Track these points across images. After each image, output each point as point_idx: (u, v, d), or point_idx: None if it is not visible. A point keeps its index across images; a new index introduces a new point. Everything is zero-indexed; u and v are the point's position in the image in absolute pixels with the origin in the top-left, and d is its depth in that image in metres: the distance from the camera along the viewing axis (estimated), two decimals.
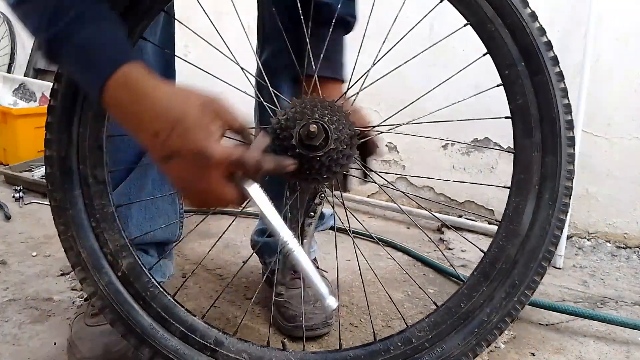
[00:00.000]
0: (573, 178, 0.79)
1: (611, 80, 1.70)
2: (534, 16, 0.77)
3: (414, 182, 2.08)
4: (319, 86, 0.90)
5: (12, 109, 2.38)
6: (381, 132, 0.92)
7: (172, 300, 0.83)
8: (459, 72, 0.89)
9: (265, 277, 1.24)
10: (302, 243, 0.86)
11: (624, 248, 1.76)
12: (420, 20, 0.87)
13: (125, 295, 0.81)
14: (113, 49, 0.67)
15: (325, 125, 0.75)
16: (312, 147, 0.74)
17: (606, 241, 1.79)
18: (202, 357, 0.80)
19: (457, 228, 1.88)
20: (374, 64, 0.84)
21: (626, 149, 1.72)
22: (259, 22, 1.14)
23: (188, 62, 0.96)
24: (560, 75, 0.78)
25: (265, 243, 1.24)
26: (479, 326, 0.79)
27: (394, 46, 0.89)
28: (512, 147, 0.81)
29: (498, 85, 0.80)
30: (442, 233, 1.87)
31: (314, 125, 0.72)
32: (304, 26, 0.87)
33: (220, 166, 0.64)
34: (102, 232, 0.82)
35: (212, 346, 0.81)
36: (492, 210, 1.96)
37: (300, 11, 0.86)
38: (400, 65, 0.91)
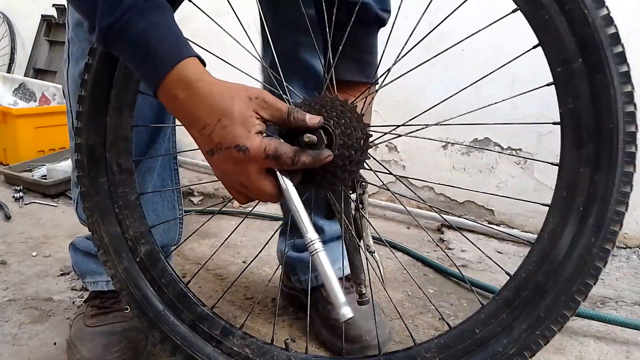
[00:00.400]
0: (627, 202, 0.66)
1: None
2: (599, 2, 0.63)
3: (413, 182, 2.08)
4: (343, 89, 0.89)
5: (12, 109, 2.38)
6: (399, 136, 0.89)
7: (185, 288, 0.85)
8: (495, 69, 0.86)
9: (280, 292, 1.20)
10: (362, 236, 0.84)
11: (624, 248, 1.76)
12: (461, 4, 0.84)
13: (142, 280, 0.84)
14: (171, 43, 0.67)
15: (330, 130, 0.70)
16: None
17: None
18: (207, 347, 0.82)
19: (457, 228, 1.88)
20: (395, 63, 0.80)
21: None
22: (263, 21, 1.11)
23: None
24: (626, 77, 0.64)
25: (299, 258, 1.18)
26: (492, 357, 0.71)
27: (417, 44, 0.85)
28: (558, 158, 0.70)
29: (549, 85, 0.68)
30: (442, 233, 1.87)
31: (309, 135, 0.68)
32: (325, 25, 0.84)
33: (256, 160, 0.66)
34: (125, 218, 0.85)
35: (218, 337, 0.82)
36: (492, 210, 1.96)
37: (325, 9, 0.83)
38: (421, 64, 0.85)
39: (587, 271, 0.67)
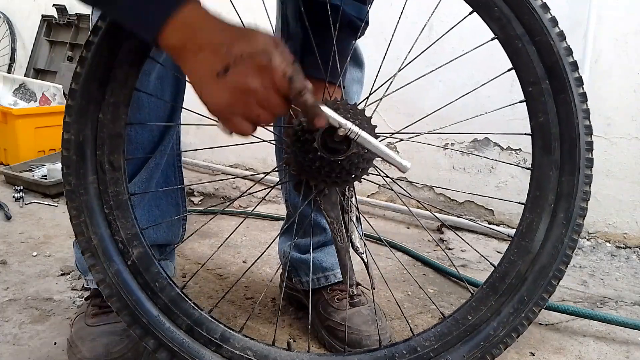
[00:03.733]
0: (588, 199, 0.79)
1: (611, 80, 1.71)
2: (562, 35, 0.77)
3: (413, 181, 2.08)
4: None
5: (13, 109, 2.38)
6: (401, 140, 0.92)
7: (180, 292, 0.82)
8: (491, 79, 0.90)
9: (283, 292, 1.20)
10: (351, 239, 0.86)
11: (623, 248, 1.76)
12: (451, 28, 0.87)
13: (134, 285, 0.80)
14: None
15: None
16: (334, 150, 0.74)
17: (606, 241, 1.79)
18: (206, 352, 0.80)
19: (457, 228, 1.89)
20: (400, 69, 0.84)
21: (626, 149, 1.72)
22: (282, 22, 1.11)
23: None
24: (584, 96, 0.78)
25: (301, 260, 1.17)
26: (485, 339, 0.80)
27: (425, 50, 0.89)
28: (531, 164, 0.82)
29: (521, 102, 0.81)
30: (442, 233, 1.87)
31: (342, 129, 0.71)
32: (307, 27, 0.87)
33: (275, 72, 0.65)
34: (115, 219, 0.80)
35: (217, 341, 0.80)
36: (491, 210, 1.96)
37: (303, 11, 0.86)
38: (439, 67, 0.90)
39: (561, 259, 0.79)
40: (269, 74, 0.65)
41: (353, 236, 0.87)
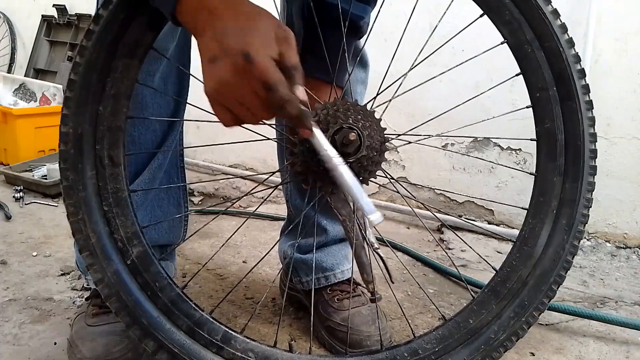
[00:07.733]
0: (590, 207, 0.81)
1: (611, 80, 1.71)
2: (571, 42, 0.78)
3: (413, 181, 2.08)
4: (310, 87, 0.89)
5: (13, 109, 2.38)
6: (409, 142, 0.92)
7: (181, 293, 0.81)
8: (492, 87, 0.89)
9: (284, 293, 1.20)
10: (365, 235, 0.86)
11: (623, 248, 1.76)
12: (462, 30, 0.87)
13: (133, 285, 0.78)
14: None
15: (359, 132, 0.74)
16: (343, 152, 0.73)
17: (606, 241, 1.79)
18: (207, 354, 0.78)
19: (457, 228, 1.89)
20: (410, 69, 0.84)
21: (626, 149, 1.73)
22: (287, 22, 1.10)
23: None
24: (590, 104, 0.79)
25: (302, 260, 1.17)
26: (486, 343, 0.80)
27: (432, 53, 0.89)
28: (535, 170, 0.83)
29: (528, 107, 0.81)
30: (442, 233, 1.87)
31: (354, 134, 0.71)
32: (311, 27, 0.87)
33: (253, 78, 0.63)
34: (114, 217, 0.78)
35: (218, 343, 0.79)
36: (491, 210, 1.96)
37: (314, 12, 0.86)
38: (445, 71, 0.90)
39: (562, 264, 0.81)
40: (248, 78, 0.63)
41: (367, 232, 0.87)
